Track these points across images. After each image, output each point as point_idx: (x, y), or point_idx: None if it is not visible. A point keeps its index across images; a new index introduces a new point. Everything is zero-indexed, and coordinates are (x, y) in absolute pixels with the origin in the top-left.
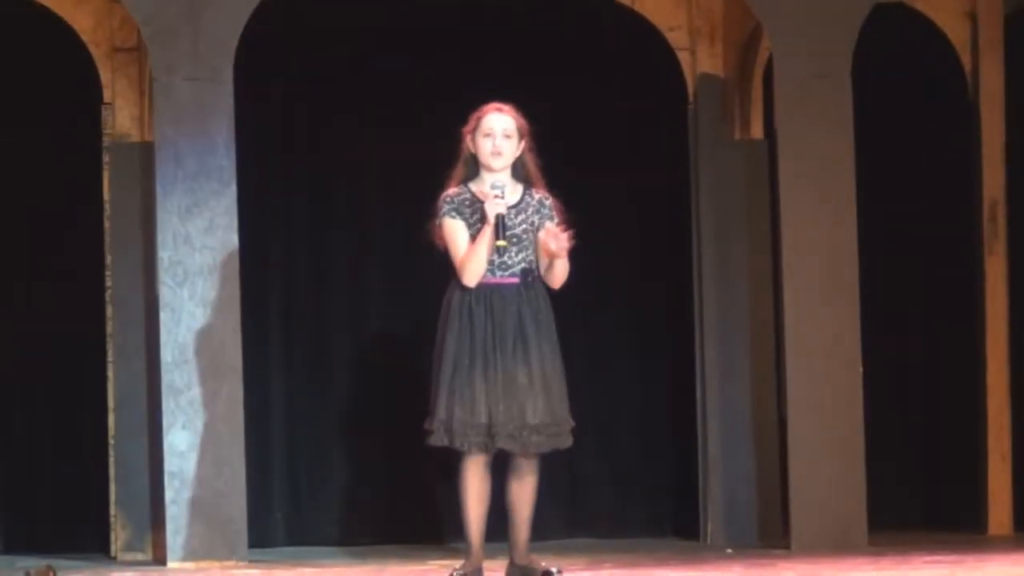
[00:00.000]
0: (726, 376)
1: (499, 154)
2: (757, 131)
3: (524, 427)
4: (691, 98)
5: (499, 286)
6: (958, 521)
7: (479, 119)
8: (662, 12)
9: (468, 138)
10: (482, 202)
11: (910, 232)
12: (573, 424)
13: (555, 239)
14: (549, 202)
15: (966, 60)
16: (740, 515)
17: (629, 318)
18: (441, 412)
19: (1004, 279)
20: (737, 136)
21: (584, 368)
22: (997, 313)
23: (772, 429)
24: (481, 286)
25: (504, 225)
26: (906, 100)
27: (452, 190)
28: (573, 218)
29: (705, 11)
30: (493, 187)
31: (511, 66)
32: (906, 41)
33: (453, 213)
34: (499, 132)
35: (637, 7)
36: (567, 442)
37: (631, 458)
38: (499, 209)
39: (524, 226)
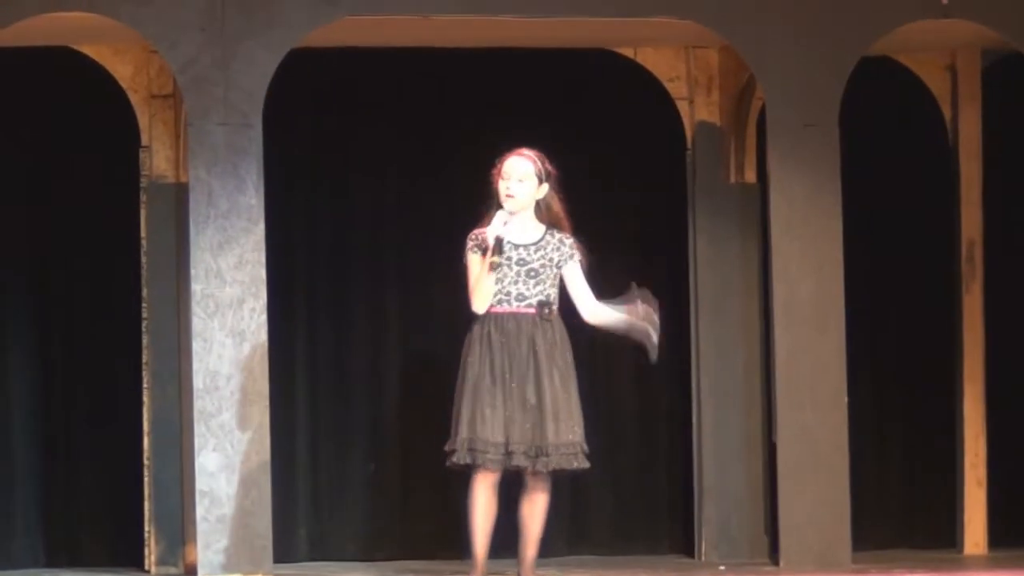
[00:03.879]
0: (720, 404)
1: (511, 197)
2: (751, 175)
3: (537, 447)
4: (689, 144)
5: (516, 315)
6: (936, 541)
7: (502, 162)
8: (662, 64)
9: (496, 181)
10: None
11: (893, 270)
12: (587, 449)
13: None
14: (570, 241)
15: (946, 110)
16: (732, 534)
17: (629, 348)
18: (463, 431)
19: (980, 315)
20: (732, 179)
21: (586, 395)
22: (974, 347)
23: (762, 454)
24: (500, 314)
25: (501, 245)
26: (890, 147)
27: (478, 229)
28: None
29: (703, 63)
30: (499, 215)
31: (523, 113)
32: (890, 92)
33: (476, 249)
34: (514, 176)
35: (639, 59)
36: (581, 463)
37: (630, 480)
38: (498, 231)
39: (543, 261)
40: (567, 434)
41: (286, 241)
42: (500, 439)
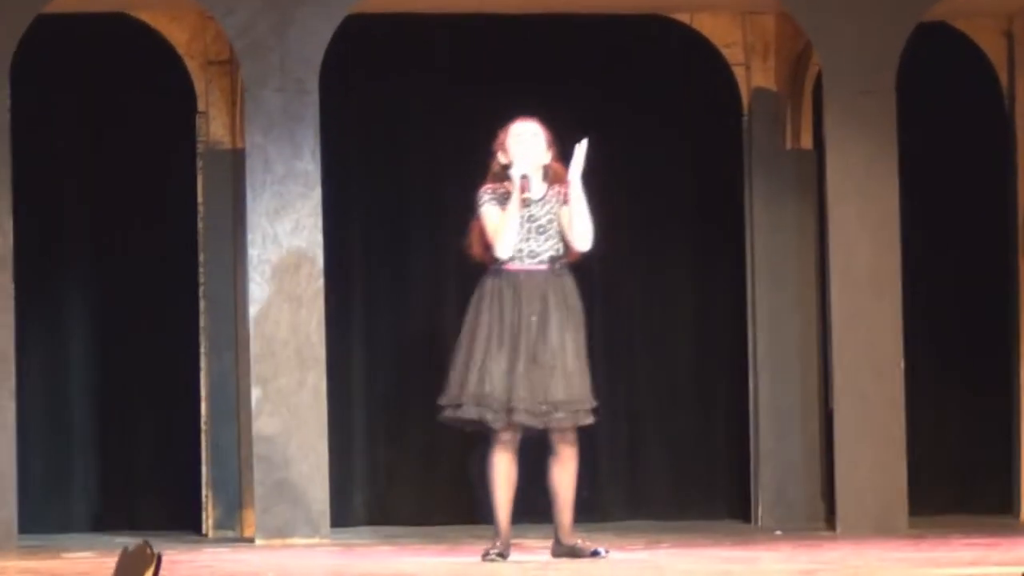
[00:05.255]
0: (776, 369)
1: (528, 149)
2: (807, 142)
3: (545, 404)
4: (745, 110)
5: (529, 272)
6: (993, 507)
7: (507, 130)
8: (719, 30)
9: (499, 153)
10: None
11: (949, 235)
12: (595, 403)
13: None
14: (565, 190)
15: (1003, 76)
16: (789, 499)
17: (687, 313)
18: (473, 387)
19: None
20: (788, 146)
21: (644, 361)
22: None
23: (819, 419)
24: (511, 272)
25: (528, 183)
26: (946, 113)
27: (490, 184)
28: (636, 220)
29: (759, 29)
30: (517, 165)
31: (578, 81)
32: (947, 58)
33: (494, 202)
34: (527, 132)
35: (695, 25)
36: (587, 419)
37: (688, 446)
38: (523, 170)
39: (549, 216)
40: (577, 391)
41: (342, 205)
42: (508, 397)
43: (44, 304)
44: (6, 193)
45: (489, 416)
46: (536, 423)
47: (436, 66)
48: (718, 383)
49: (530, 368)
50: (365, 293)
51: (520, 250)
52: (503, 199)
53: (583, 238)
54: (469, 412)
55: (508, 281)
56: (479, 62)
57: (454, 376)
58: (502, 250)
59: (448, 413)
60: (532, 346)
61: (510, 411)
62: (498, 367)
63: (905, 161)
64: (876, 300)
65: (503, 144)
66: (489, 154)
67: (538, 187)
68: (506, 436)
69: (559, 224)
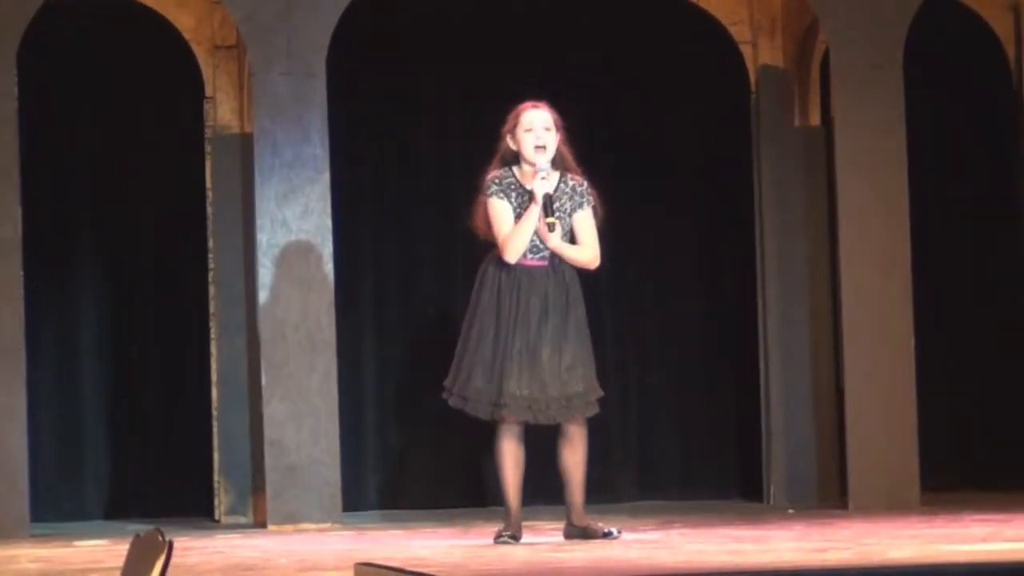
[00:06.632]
0: (787, 348)
1: (543, 147)
2: (815, 118)
3: (551, 400)
4: (753, 87)
5: (529, 268)
6: (1007, 483)
7: (518, 116)
8: (725, 7)
9: (507, 137)
10: (525, 188)
11: (958, 212)
12: (601, 393)
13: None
14: (583, 187)
15: (1010, 51)
16: (801, 478)
17: (697, 293)
18: (463, 379)
19: None
20: (796, 123)
21: (654, 340)
22: None
23: (830, 398)
24: (515, 266)
25: (552, 204)
26: (954, 89)
27: (497, 172)
28: (643, 199)
29: (765, 6)
30: (539, 169)
31: (585, 60)
32: (954, 34)
33: (500, 194)
34: (539, 126)
35: (702, 3)
36: (593, 410)
37: (699, 425)
38: (547, 188)
39: (559, 213)
40: (579, 384)
41: (351, 189)
42: (524, 392)
43: (53, 292)
44: (14, 181)
45: (483, 413)
46: (541, 419)
47: (444, 48)
48: (729, 362)
49: (532, 365)
50: (375, 277)
51: None
52: (509, 190)
53: (584, 268)
54: (460, 404)
55: (509, 275)
56: (486, 43)
57: (456, 365)
58: (511, 258)
59: (451, 402)
60: (533, 342)
61: (501, 406)
62: (498, 364)
63: (913, 136)
64: (886, 277)
65: (512, 130)
66: (498, 137)
67: (552, 178)
68: (515, 424)
69: (567, 220)
